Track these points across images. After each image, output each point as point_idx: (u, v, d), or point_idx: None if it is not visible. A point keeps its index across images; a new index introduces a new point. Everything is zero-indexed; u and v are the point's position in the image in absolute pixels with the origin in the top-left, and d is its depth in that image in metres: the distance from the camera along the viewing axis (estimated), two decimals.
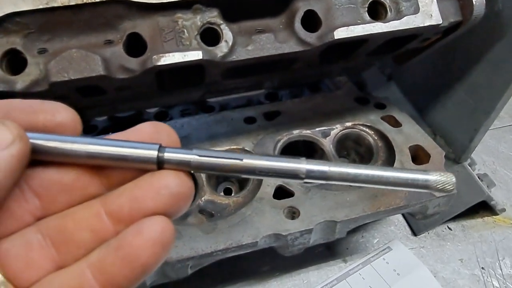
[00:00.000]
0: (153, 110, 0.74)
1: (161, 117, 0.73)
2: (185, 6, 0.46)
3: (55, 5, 0.42)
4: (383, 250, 0.72)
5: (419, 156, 0.63)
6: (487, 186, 0.74)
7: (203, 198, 0.58)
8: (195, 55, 0.45)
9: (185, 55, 0.45)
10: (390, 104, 0.71)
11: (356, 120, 0.68)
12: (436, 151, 0.62)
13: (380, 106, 0.71)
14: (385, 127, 0.66)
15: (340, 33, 0.49)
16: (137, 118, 0.72)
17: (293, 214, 0.54)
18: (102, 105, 0.56)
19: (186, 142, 0.63)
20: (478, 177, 0.75)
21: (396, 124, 0.67)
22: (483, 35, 0.62)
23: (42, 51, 0.44)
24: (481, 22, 0.61)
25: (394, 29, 0.50)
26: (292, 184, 0.57)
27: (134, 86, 0.49)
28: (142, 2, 0.44)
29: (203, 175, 0.60)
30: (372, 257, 0.71)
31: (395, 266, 0.69)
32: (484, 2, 0.52)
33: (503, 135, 0.95)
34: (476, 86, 0.66)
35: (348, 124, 0.67)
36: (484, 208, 0.78)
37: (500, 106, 0.63)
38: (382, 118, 0.68)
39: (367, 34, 0.50)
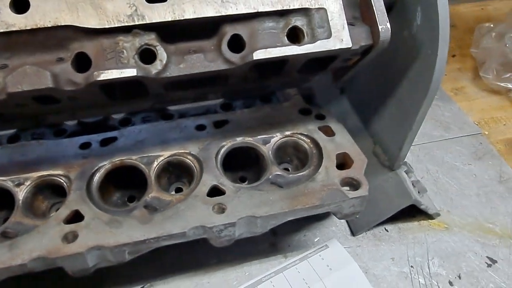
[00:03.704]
0: (118, 116, 0.82)
1: (125, 123, 0.81)
2: (126, 30, 0.55)
3: (14, 29, 0.51)
4: (321, 247, 0.79)
5: (347, 162, 0.71)
6: (418, 192, 0.81)
7: (149, 195, 0.66)
8: (130, 72, 0.54)
9: (121, 72, 0.53)
10: (330, 116, 0.79)
11: (296, 129, 0.76)
12: (359, 158, 0.69)
13: (320, 117, 0.79)
14: (320, 136, 0.74)
15: (259, 54, 0.57)
16: (103, 123, 0.81)
17: (222, 210, 0.61)
18: (62, 111, 0.65)
19: (141, 146, 0.72)
20: (412, 184, 0.82)
21: (331, 133, 0.75)
22: (403, 55, 0.70)
23: (3, 67, 0.53)
24: (401, 43, 0.69)
25: (308, 51, 0.58)
26: (225, 184, 0.65)
27: (83, 96, 0.57)
28: (87, 27, 0.53)
29: (152, 176, 0.68)
30: (309, 253, 0.78)
31: (329, 262, 0.76)
32: (389, 28, 0.59)
33: (450, 146, 1.02)
34: (401, 101, 0.74)
35: (288, 133, 0.75)
36: (420, 212, 0.85)
37: (419, 119, 0.70)
38: (319, 128, 0.76)
39: (284, 56, 0.58)
